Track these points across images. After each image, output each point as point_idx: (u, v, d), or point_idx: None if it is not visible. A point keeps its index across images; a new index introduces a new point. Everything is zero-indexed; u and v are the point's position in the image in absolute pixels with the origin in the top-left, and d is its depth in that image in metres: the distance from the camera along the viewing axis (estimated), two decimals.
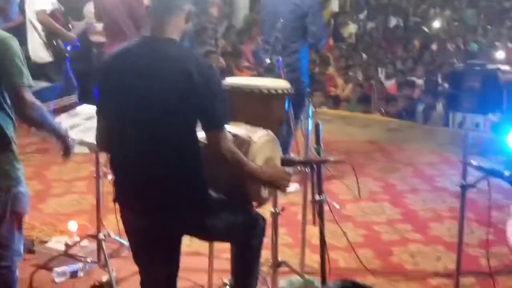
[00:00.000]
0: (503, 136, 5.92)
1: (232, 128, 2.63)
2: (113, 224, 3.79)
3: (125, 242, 3.88)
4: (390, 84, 9.71)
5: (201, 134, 2.52)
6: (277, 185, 2.68)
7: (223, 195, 2.69)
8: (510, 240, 2.83)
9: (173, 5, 2.53)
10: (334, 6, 14.61)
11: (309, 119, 3.40)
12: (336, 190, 5.33)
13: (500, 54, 10.21)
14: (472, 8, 16.29)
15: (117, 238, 4.00)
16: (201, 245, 3.79)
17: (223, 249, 3.45)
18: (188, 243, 3.90)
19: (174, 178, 2.53)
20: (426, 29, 13.37)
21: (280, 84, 3.27)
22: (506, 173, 2.58)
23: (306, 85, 5.15)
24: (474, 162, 2.87)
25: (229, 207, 2.73)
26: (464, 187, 2.95)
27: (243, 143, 2.61)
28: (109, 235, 3.94)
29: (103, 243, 3.83)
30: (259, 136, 2.72)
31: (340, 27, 13.61)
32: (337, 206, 3.24)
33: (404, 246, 4.35)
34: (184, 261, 2.83)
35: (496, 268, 3.96)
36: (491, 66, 7.04)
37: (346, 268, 3.99)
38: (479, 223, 4.57)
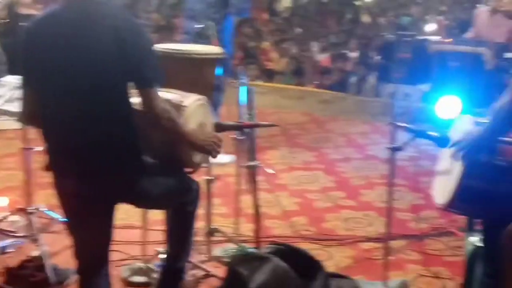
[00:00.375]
0: (432, 105, 6.11)
1: (164, 94, 2.60)
2: (44, 200, 3.73)
3: (57, 216, 3.82)
4: (324, 57, 9.79)
5: (135, 99, 2.49)
6: (209, 149, 2.67)
7: (158, 161, 2.67)
8: (435, 199, 2.91)
9: None
10: None
11: (241, 87, 3.39)
12: (271, 160, 5.39)
13: (430, 27, 10.40)
14: None
15: (48, 212, 3.92)
16: (135, 218, 3.77)
17: (157, 221, 3.44)
18: (122, 216, 3.87)
19: (107, 142, 2.48)
20: (358, 3, 13.49)
21: (211, 49, 3.25)
22: (432, 133, 2.65)
23: (228, 56, 5.14)
24: (401, 124, 2.93)
25: (164, 172, 2.71)
26: (392, 149, 3.01)
27: (175, 108, 2.59)
28: (39, 209, 3.86)
29: (34, 217, 3.75)
30: (192, 101, 2.70)
31: (274, 1, 13.61)
32: (271, 171, 3.25)
33: (337, 213, 4.43)
34: (119, 234, 2.81)
35: (425, 231, 4.08)
36: (420, 37, 7.23)
37: (280, 235, 4.04)
38: (409, 188, 4.69)
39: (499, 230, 2.05)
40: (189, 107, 2.66)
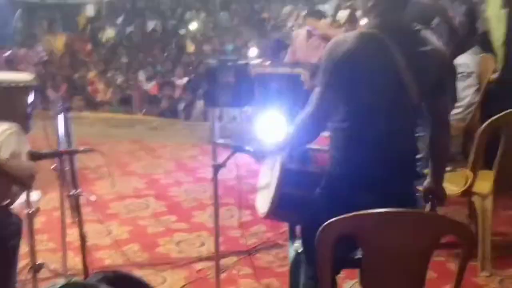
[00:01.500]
0: (257, 125, 6.34)
1: None
2: None
3: None
4: (152, 86, 9.83)
5: None
6: (21, 178, 2.57)
7: None
8: (258, 210, 3.02)
9: None
10: (90, 11, 14.42)
11: (59, 116, 3.30)
12: (100, 191, 5.28)
13: (252, 52, 10.80)
14: (225, 11, 17.10)
15: None
16: None
17: None
18: None
19: None
20: (183, 32, 13.72)
21: (21, 77, 3.15)
22: (249, 148, 2.74)
23: None
24: (221, 141, 3.00)
25: None
26: (215, 167, 3.08)
27: None
28: None
29: None
30: (3, 129, 2.59)
31: (97, 32, 13.45)
32: (93, 198, 3.19)
33: (170, 237, 4.43)
34: None
35: (255, 246, 4.20)
36: (242, 62, 7.46)
37: (112, 265, 3.96)
38: (239, 206, 4.79)
39: (315, 234, 2.17)
40: (0, 136, 2.55)
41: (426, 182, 2.75)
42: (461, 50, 3.88)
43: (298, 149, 2.68)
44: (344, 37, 2.51)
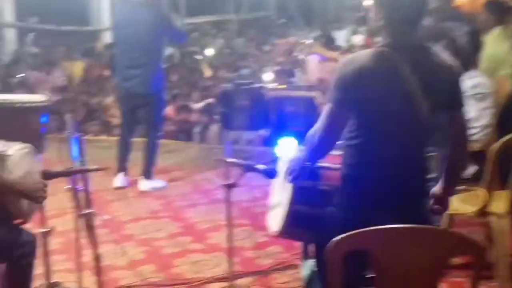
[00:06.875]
0: (273, 148, 6.36)
1: None
2: None
3: None
4: (169, 109, 9.88)
5: None
6: (33, 196, 2.61)
7: None
8: (270, 228, 3.02)
9: None
10: (107, 37, 14.56)
11: (71, 137, 3.34)
12: (116, 212, 5.32)
13: (268, 76, 10.85)
14: (241, 37, 17.26)
15: None
16: None
17: None
18: None
19: None
20: (200, 57, 13.82)
21: (34, 97, 3.21)
22: (260, 166, 2.76)
23: None
24: (231, 160, 3.02)
25: None
26: (227, 186, 3.08)
27: None
28: None
29: None
30: (16, 149, 2.65)
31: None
32: (107, 217, 3.22)
33: (185, 257, 4.44)
34: None
35: (271, 266, 4.19)
36: (257, 85, 7.52)
37: (128, 285, 3.98)
38: (254, 227, 4.79)
39: None
40: (13, 155, 2.60)
41: (436, 188, 2.70)
42: (465, 69, 3.90)
43: (308, 165, 2.68)
44: (356, 55, 2.54)
